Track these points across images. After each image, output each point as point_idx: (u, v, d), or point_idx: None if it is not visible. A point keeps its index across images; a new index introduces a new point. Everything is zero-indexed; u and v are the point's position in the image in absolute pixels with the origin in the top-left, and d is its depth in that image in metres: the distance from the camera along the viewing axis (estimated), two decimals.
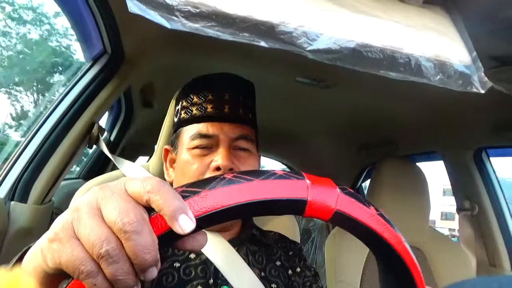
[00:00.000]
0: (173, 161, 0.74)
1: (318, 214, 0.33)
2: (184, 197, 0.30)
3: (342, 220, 0.35)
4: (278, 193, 0.32)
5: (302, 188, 0.33)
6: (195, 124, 0.69)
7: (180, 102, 0.74)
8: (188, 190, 0.31)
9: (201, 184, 0.32)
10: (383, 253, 0.38)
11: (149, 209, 0.30)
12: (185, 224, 0.28)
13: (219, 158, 0.64)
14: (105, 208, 0.29)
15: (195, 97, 0.71)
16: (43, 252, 0.29)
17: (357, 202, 0.35)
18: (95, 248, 0.27)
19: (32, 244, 0.33)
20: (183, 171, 0.68)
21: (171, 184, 0.73)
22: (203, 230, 0.32)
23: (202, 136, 0.67)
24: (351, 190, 0.35)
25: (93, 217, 0.28)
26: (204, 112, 0.69)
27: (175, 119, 0.75)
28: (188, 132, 0.69)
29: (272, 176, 0.33)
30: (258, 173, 0.33)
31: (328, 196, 0.34)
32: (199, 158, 0.67)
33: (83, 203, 0.30)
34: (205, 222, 0.30)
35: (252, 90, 0.77)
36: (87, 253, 0.27)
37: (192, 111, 0.70)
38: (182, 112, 0.72)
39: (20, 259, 0.34)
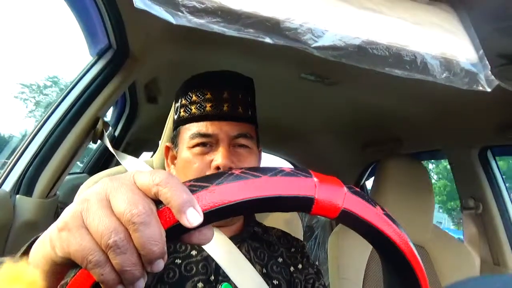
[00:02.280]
0: (174, 158, 0.75)
1: (325, 212, 0.34)
2: (192, 191, 0.30)
3: (349, 219, 0.35)
4: (285, 190, 0.32)
5: (310, 186, 0.33)
6: (194, 123, 0.69)
7: (179, 100, 0.74)
8: (196, 185, 0.31)
9: (210, 178, 0.32)
10: (388, 253, 0.38)
11: (157, 202, 0.30)
12: (192, 217, 0.29)
13: (218, 157, 0.65)
14: (114, 199, 0.29)
15: (193, 96, 0.70)
16: (52, 241, 0.30)
17: (363, 201, 0.35)
18: (104, 238, 0.27)
19: (40, 234, 0.34)
20: (184, 170, 0.68)
21: None
22: (209, 226, 0.32)
23: (201, 135, 0.67)
24: (358, 189, 0.35)
25: (102, 208, 0.29)
26: (203, 111, 0.69)
27: (175, 117, 0.75)
28: (188, 130, 0.69)
29: (280, 173, 0.33)
30: (266, 170, 0.33)
31: (335, 194, 0.34)
32: (200, 156, 0.67)
33: (93, 194, 0.30)
34: (213, 216, 0.30)
35: (252, 85, 0.76)
36: (96, 243, 0.28)
37: (191, 109, 0.70)
38: (181, 110, 0.72)
39: (28, 250, 0.34)
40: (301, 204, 0.33)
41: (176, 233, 0.30)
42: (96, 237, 0.28)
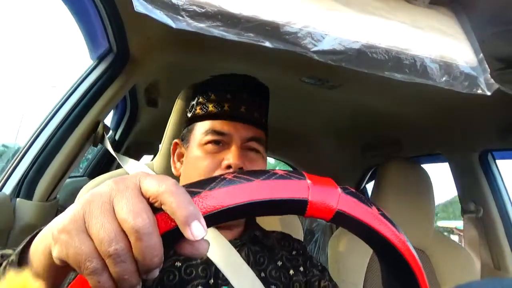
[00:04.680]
0: (181, 155, 0.75)
1: (320, 214, 0.33)
2: None
3: (344, 220, 0.34)
4: (278, 193, 0.32)
5: (303, 188, 0.33)
6: (209, 121, 0.69)
7: (196, 98, 0.74)
8: (189, 191, 0.31)
9: (202, 184, 0.32)
10: (386, 253, 0.38)
11: (153, 208, 0.30)
12: (197, 230, 0.28)
13: (231, 156, 0.65)
14: (118, 204, 0.28)
15: (212, 95, 0.71)
16: (52, 241, 0.29)
17: (358, 202, 0.34)
18: (104, 245, 0.27)
19: (42, 228, 0.33)
20: (194, 167, 0.68)
21: (178, 177, 0.74)
22: (205, 239, 0.32)
23: (215, 132, 0.68)
24: (353, 190, 0.35)
25: (104, 212, 0.28)
26: (221, 110, 0.69)
27: (189, 114, 0.75)
28: (201, 127, 0.70)
29: (273, 176, 0.33)
30: (259, 173, 0.33)
31: (329, 196, 0.33)
32: (211, 155, 0.67)
33: (96, 196, 0.29)
34: (207, 222, 0.30)
35: (268, 95, 0.77)
36: (95, 249, 0.27)
37: (208, 107, 0.70)
38: (198, 107, 0.72)
39: (28, 245, 0.34)
40: (295, 207, 0.33)
41: (169, 241, 0.30)
42: (97, 243, 0.27)
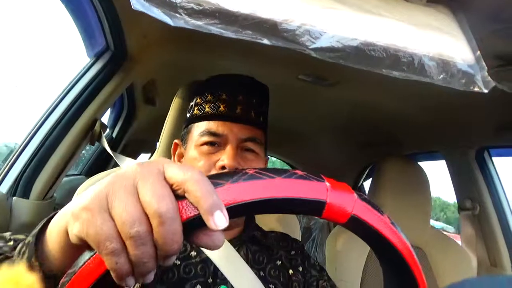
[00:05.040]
0: (181, 156, 0.75)
1: (335, 217, 0.34)
2: None
3: (357, 225, 0.35)
4: (299, 193, 0.32)
5: (322, 190, 0.33)
6: (206, 122, 0.70)
7: (195, 99, 0.74)
8: (211, 182, 0.31)
9: (224, 176, 0.32)
10: (392, 263, 0.38)
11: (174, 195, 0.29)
12: (219, 220, 0.28)
13: (225, 157, 0.65)
14: (143, 188, 0.28)
15: (209, 95, 0.71)
16: (72, 218, 0.29)
17: (372, 209, 0.35)
18: (126, 226, 0.27)
19: (59, 210, 0.33)
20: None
21: None
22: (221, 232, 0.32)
23: (211, 133, 0.68)
24: (366, 197, 0.36)
25: (128, 194, 0.28)
26: (216, 111, 0.69)
27: (188, 115, 0.76)
28: (198, 128, 0.70)
29: (293, 176, 0.33)
30: (280, 171, 0.33)
31: (346, 200, 0.34)
32: (206, 156, 0.67)
33: (120, 177, 0.29)
34: (228, 214, 0.30)
35: (266, 93, 0.77)
36: (116, 229, 0.27)
37: (204, 108, 0.71)
38: (195, 108, 0.72)
39: (45, 227, 0.34)
40: (313, 207, 0.33)
41: (187, 229, 0.30)
42: (118, 224, 0.27)
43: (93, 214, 0.27)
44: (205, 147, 0.68)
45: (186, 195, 0.29)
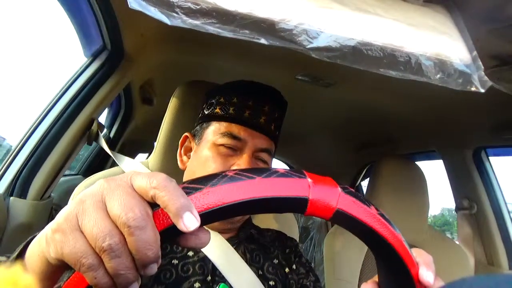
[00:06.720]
0: (189, 149, 0.75)
1: (319, 213, 0.34)
2: (186, 193, 0.30)
3: (343, 219, 0.35)
4: (279, 191, 0.32)
5: (304, 186, 0.33)
6: (227, 123, 0.70)
7: (217, 97, 0.74)
8: (191, 187, 0.31)
9: (203, 180, 0.32)
10: (383, 253, 0.38)
11: (152, 204, 0.30)
12: (189, 222, 0.28)
13: (242, 163, 0.65)
14: (110, 201, 0.29)
15: (235, 98, 0.71)
16: (47, 242, 0.30)
17: (358, 201, 0.35)
18: (98, 241, 0.27)
19: (37, 234, 0.34)
20: (203, 165, 0.68)
21: (183, 171, 0.74)
22: (207, 229, 0.32)
23: (232, 136, 0.68)
24: (352, 190, 0.36)
25: (97, 210, 0.28)
26: (241, 115, 0.69)
27: (206, 111, 0.75)
28: (218, 128, 0.70)
29: (274, 174, 0.33)
30: (260, 171, 0.33)
31: (329, 195, 0.34)
32: (222, 157, 0.67)
33: (88, 195, 0.30)
34: (207, 218, 0.30)
35: (286, 109, 0.79)
36: (90, 246, 0.27)
37: (228, 109, 0.70)
38: (218, 107, 0.72)
39: (24, 250, 0.34)
40: (295, 205, 0.33)
41: (171, 235, 0.30)
42: (91, 240, 0.27)
43: (65, 235, 0.28)
44: (223, 149, 0.68)
45: (156, 201, 0.29)
